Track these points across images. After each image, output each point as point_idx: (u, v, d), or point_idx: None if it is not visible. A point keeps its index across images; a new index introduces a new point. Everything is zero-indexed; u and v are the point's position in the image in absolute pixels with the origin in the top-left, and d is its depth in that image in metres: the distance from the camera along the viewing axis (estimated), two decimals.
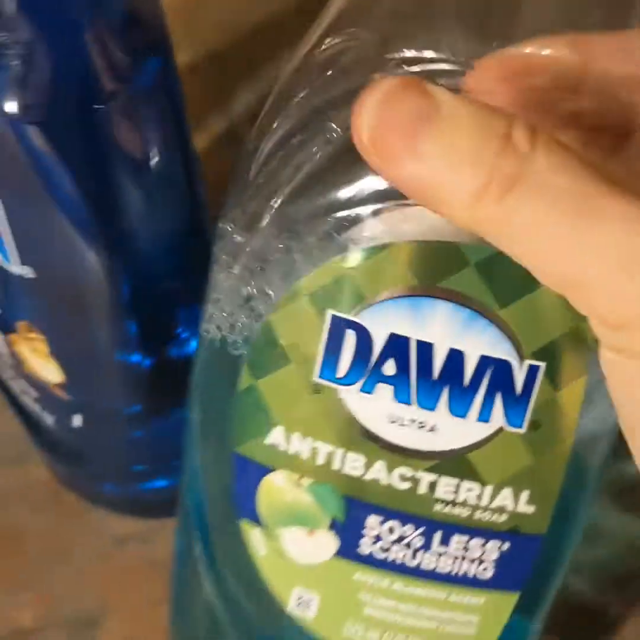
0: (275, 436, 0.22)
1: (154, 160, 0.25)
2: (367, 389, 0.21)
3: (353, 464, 0.22)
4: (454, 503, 0.22)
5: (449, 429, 0.21)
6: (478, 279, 0.20)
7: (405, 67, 0.20)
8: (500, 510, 0.22)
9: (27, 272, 0.26)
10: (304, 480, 0.23)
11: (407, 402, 0.21)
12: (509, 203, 0.15)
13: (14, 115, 0.23)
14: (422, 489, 0.22)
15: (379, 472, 0.22)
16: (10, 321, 0.29)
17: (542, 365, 0.21)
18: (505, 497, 0.22)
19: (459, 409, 0.21)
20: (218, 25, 0.56)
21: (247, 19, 0.54)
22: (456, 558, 0.23)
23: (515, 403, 0.21)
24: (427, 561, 0.23)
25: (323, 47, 0.22)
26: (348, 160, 0.19)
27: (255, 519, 0.24)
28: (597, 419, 0.22)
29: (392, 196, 0.20)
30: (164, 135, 0.25)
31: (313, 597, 0.24)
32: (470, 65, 0.19)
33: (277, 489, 0.23)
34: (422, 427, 0.21)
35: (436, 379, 0.21)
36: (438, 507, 0.22)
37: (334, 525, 0.23)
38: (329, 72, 0.21)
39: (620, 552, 0.36)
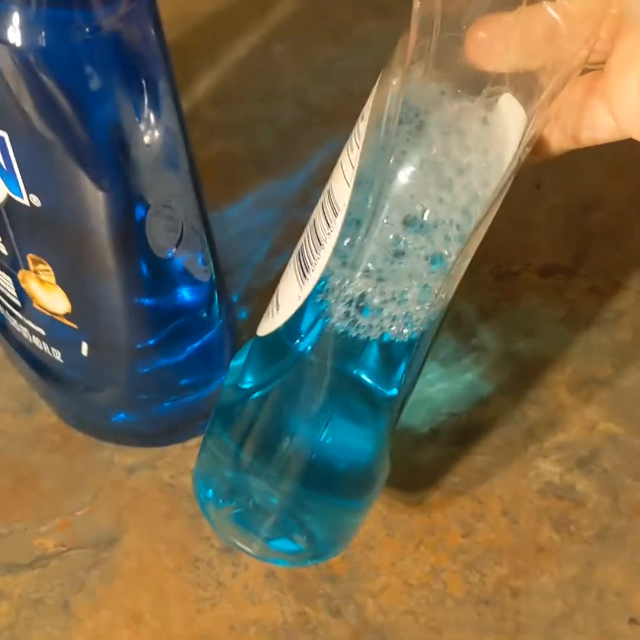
0: None
1: (150, 88, 0.28)
2: None
3: None
4: None
5: None
6: None
7: None
8: None
9: (34, 201, 0.30)
10: None
11: None
12: None
13: (14, 45, 0.26)
14: None
15: None
16: (20, 256, 0.33)
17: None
18: None
19: None
20: (175, 17, 0.60)
21: (202, 8, 0.58)
22: None
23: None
24: None
25: None
26: None
27: None
28: None
29: None
30: (156, 62, 0.28)
31: None
32: None
33: None
34: None
35: None
36: None
37: None
38: None
39: None
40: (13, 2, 0.26)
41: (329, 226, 0.28)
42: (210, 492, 0.34)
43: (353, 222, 0.27)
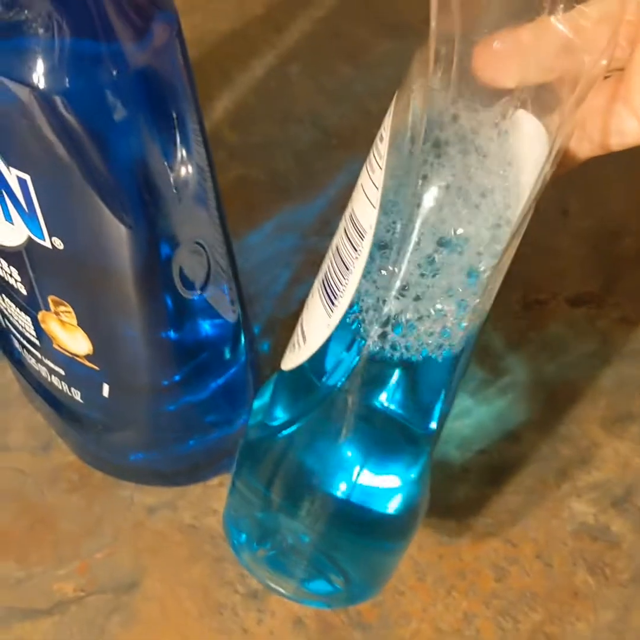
0: None
1: (178, 124, 0.27)
2: None
3: None
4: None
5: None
6: None
7: None
8: None
9: (57, 244, 0.29)
10: None
11: None
12: None
13: (38, 87, 0.25)
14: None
15: None
16: (41, 297, 0.32)
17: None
18: None
19: None
20: (190, 38, 0.59)
21: (217, 28, 0.57)
22: None
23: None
24: None
25: None
26: None
27: None
28: None
29: None
30: (184, 97, 0.27)
31: None
32: None
33: None
34: None
35: None
36: None
37: None
38: None
39: None
40: (36, 42, 0.25)
41: (355, 250, 0.27)
42: (243, 536, 0.33)
43: (382, 245, 0.27)
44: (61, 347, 0.33)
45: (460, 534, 0.37)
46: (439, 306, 0.27)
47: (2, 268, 0.32)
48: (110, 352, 0.33)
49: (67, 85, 0.25)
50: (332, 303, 0.28)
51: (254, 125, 0.53)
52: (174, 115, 0.27)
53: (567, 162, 0.28)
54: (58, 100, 0.25)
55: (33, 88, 0.25)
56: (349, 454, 0.30)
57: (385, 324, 0.27)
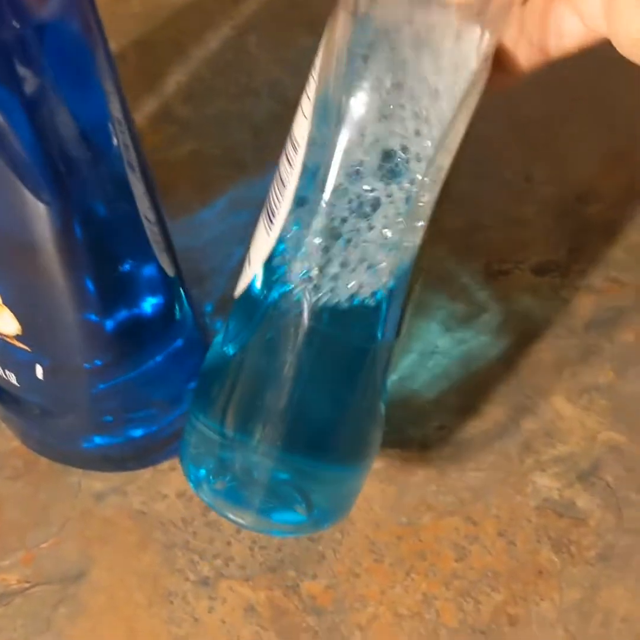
0: None
1: (88, 87, 0.26)
2: None
3: None
4: None
5: None
6: None
7: None
8: None
9: None
10: None
11: None
12: None
13: None
14: None
15: None
16: None
17: None
18: None
19: None
20: (141, 14, 0.57)
21: (169, 2, 0.55)
22: None
23: None
24: None
25: None
26: None
27: None
28: None
29: None
30: (94, 52, 0.25)
31: None
32: None
33: None
34: None
35: None
36: None
37: None
38: None
39: None
40: None
41: (290, 165, 0.27)
42: (202, 471, 0.32)
43: (314, 158, 0.26)
44: None
45: (419, 514, 0.36)
46: (365, 225, 0.26)
47: None
48: (39, 332, 0.31)
49: None
50: (271, 222, 0.28)
51: (209, 99, 0.51)
52: (84, 75, 0.26)
53: (510, 69, 0.26)
54: None
55: None
56: (291, 371, 0.29)
57: (313, 245, 0.27)
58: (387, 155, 0.26)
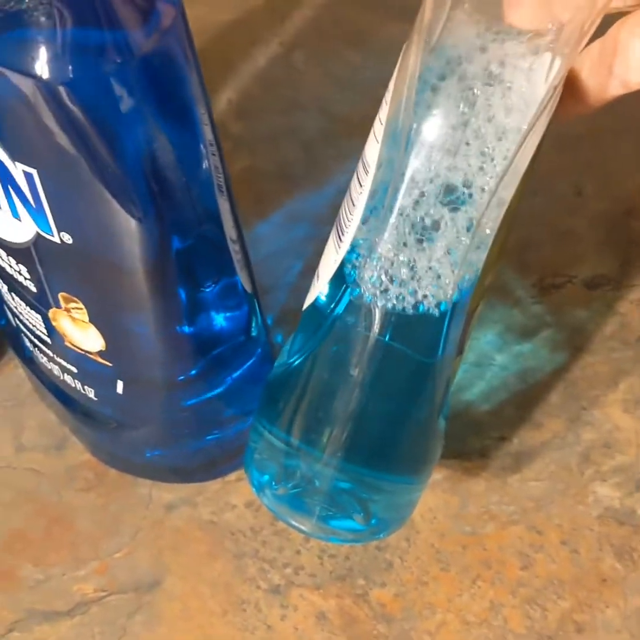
0: None
1: (185, 111, 0.27)
2: None
3: None
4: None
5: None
6: None
7: None
8: None
9: (66, 238, 0.28)
10: None
11: None
12: None
13: (41, 78, 0.24)
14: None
15: None
16: (51, 294, 0.31)
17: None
18: None
19: None
20: (193, 29, 0.58)
21: (219, 18, 0.56)
22: None
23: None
24: None
25: None
26: None
27: None
28: None
29: None
30: (191, 83, 0.27)
31: None
32: None
33: None
34: None
35: None
36: None
37: None
38: None
39: None
40: (38, 32, 0.24)
41: (361, 186, 0.28)
42: (265, 477, 0.33)
43: (382, 180, 0.27)
44: (73, 345, 0.33)
45: (483, 523, 0.37)
46: (432, 249, 0.27)
47: (10, 266, 0.32)
48: (124, 348, 0.32)
49: (71, 74, 0.24)
50: (340, 239, 0.29)
51: (259, 115, 0.52)
52: (181, 101, 0.27)
53: (585, 98, 0.27)
54: (62, 90, 0.25)
55: (36, 79, 0.24)
56: (355, 384, 0.30)
57: (378, 264, 0.28)
58: (450, 186, 0.26)
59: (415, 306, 0.29)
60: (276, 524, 0.38)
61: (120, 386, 0.34)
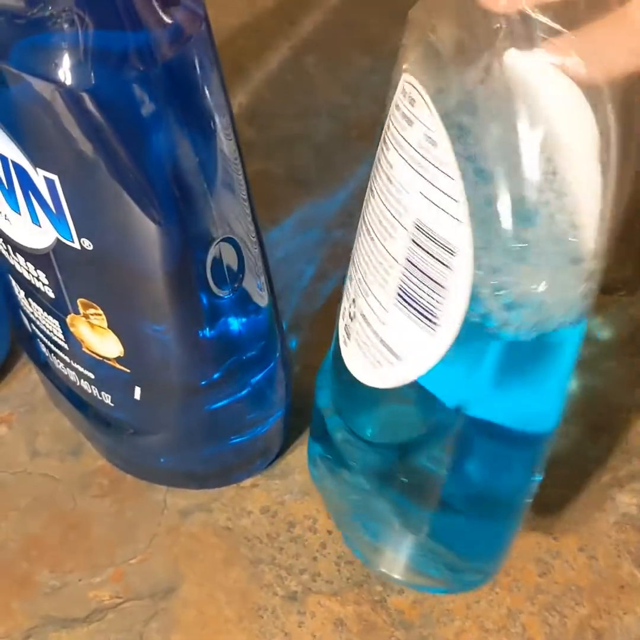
0: None
1: (208, 117, 0.27)
2: None
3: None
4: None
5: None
6: None
7: None
8: None
9: (86, 245, 0.28)
10: None
11: None
12: None
13: (64, 84, 0.24)
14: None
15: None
16: (70, 300, 0.31)
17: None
18: None
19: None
20: None
21: (229, 21, 0.56)
22: None
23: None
24: None
25: None
26: None
27: None
28: None
29: None
30: (213, 89, 0.26)
31: None
32: None
33: None
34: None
35: None
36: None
37: None
38: None
39: None
40: (61, 38, 0.24)
41: (446, 266, 0.25)
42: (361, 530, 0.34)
43: (478, 256, 0.25)
44: (90, 351, 0.33)
45: None
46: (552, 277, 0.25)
47: (28, 272, 0.31)
48: (143, 354, 0.32)
49: (93, 81, 0.24)
50: (431, 321, 0.26)
51: (271, 120, 0.52)
52: (204, 108, 0.27)
53: None
54: (85, 96, 0.24)
55: (59, 85, 0.24)
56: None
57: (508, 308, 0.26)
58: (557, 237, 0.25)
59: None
60: (292, 530, 0.37)
61: (138, 392, 0.33)
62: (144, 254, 0.28)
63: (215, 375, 0.32)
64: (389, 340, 0.28)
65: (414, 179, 0.26)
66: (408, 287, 0.27)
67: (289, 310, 0.44)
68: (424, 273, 0.26)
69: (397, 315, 0.27)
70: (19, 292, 0.34)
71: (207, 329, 0.31)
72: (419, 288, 0.26)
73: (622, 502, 0.37)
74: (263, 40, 0.56)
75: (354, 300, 0.30)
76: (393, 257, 0.27)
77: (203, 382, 0.32)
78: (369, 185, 0.29)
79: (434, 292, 0.26)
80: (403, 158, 0.26)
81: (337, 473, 0.34)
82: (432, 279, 0.26)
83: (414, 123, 0.25)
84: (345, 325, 0.31)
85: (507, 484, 0.31)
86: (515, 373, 0.28)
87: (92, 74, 0.24)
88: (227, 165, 0.28)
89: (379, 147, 0.27)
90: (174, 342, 0.31)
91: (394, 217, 0.27)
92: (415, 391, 0.28)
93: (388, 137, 0.27)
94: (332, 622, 0.35)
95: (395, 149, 0.26)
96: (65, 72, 0.24)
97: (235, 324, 0.32)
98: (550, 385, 0.29)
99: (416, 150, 0.25)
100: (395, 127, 0.26)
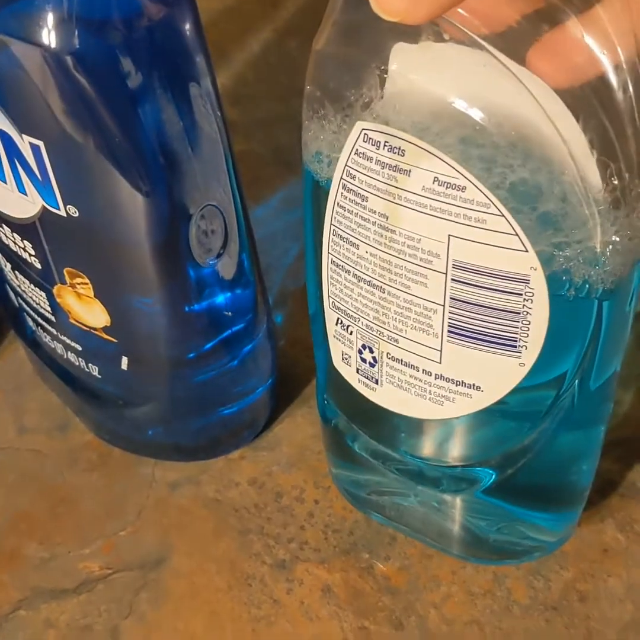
0: None
1: (190, 85, 0.27)
2: None
3: None
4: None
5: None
6: None
7: None
8: None
9: (72, 211, 0.28)
10: None
11: None
12: None
13: (48, 48, 0.24)
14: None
15: None
16: (56, 270, 0.31)
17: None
18: None
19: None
20: None
21: (211, 4, 0.56)
22: None
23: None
24: None
25: None
26: None
27: None
28: None
29: None
30: (198, 55, 0.27)
31: None
32: None
33: None
34: None
35: None
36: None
37: None
38: None
39: None
40: (45, 1, 0.24)
41: (521, 297, 0.25)
42: None
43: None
44: (77, 321, 0.33)
45: None
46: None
47: (15, 243, 0.32)
48: (129, 323, 0.32)
49: (78, 44, 0.25)
50: (514, 348, 0.26)
51: (254, 101, 0.53)
52: (188, 74, 0.27)
53: None
54: (69, 60, 0.25)
55: (43, 48, 0.25)
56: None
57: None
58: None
59: None
60: (280, 500, 0.38)
61: (125, 362, 0.34)
62: (129, 221, 0.28)
63: (204, 348, 0.33)
64: (456, 376, 0.28)
65: (440, 225, 0.24)
66: (462, 322, 0.26)
67: (275, 286, 0.44)
68: (481, 305, 0.25)
69: (458, 351, 0.27)
70: (5, 265, 0.34)
71: (191, 298, 0.31)
72: (482, 320, 0.26)
73: (604, 468, 0.38)
74: (245, 24, 0.57)
75: (368, 348, 0.29)
76: (430, 301, 0.26)
77: (191, 354, 0.33)
78: (329, 230, 0.27)
79: (510, 321, 0.25)
80: (406, 207, 0.25)
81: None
82: (496, 308, 0.25)
83: (411, 171, 0.24)
84: (365, 373, 0.30)
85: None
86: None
87: (77, 38, 0.25)
88: (211, 132, 0.28)
89: (336, 193, 0.26)
90: (158, 312, 0.31)
91: (418, 265, 0.26)
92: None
93: (354, 186, 0.26)
94: (320, 589, 0.35)
95: (384, 199, 0.25)
96: (49, 35, 0.25)
97: (221, 297, 0.32)
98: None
99: (430, 198, 0.24)
100: (372, 177, 0.25)
